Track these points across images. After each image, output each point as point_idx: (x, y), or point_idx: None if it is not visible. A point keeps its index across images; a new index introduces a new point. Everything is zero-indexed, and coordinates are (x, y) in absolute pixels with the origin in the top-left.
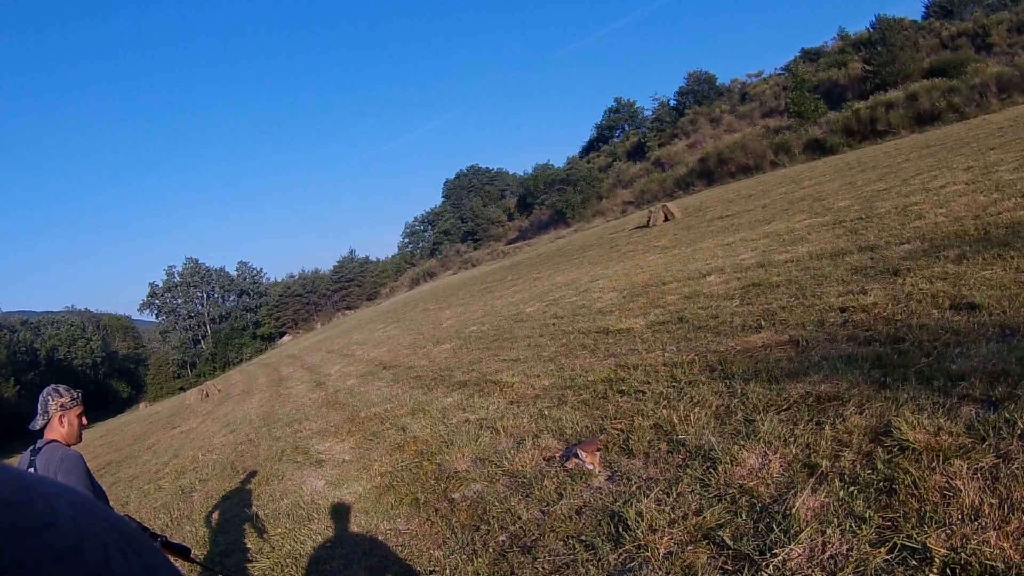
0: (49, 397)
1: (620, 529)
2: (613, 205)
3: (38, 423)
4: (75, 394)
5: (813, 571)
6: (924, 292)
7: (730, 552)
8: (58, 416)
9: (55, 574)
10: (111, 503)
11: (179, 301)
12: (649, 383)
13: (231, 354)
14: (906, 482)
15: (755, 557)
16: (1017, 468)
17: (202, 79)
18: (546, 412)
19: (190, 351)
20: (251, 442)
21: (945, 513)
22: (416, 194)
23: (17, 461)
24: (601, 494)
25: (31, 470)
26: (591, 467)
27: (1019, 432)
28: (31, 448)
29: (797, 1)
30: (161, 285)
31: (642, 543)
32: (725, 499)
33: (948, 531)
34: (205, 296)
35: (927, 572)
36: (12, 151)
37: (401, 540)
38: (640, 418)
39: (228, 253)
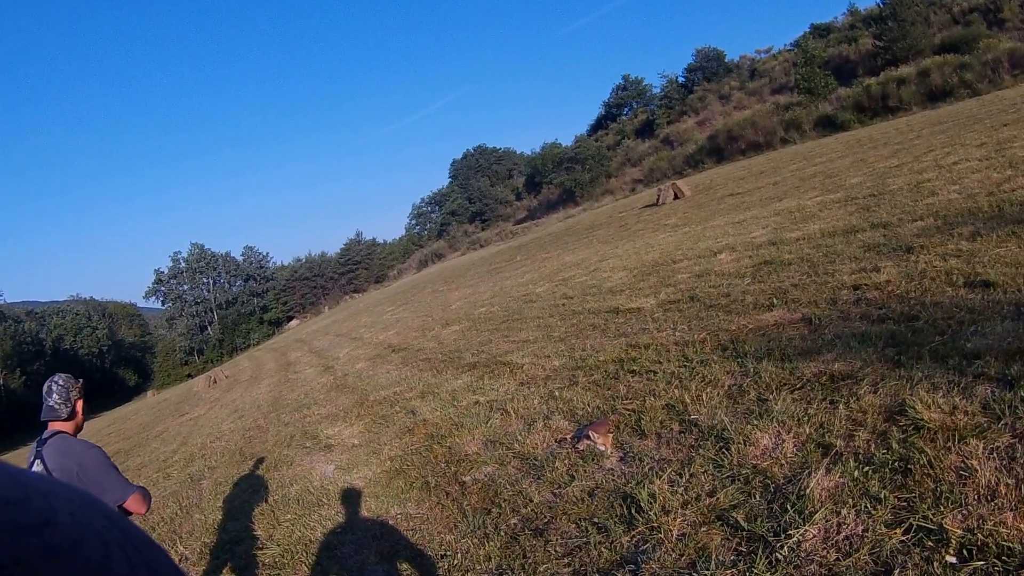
0: (69, 386)
1: (633, 511)
2: (622, 183)
3: (64, 412)
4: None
5: (828, 552)
6: (938, 270)
7: (744, 533)
8: (79, 403)
9: (54, 571)
10: None
11: (185, 287)
12: (660, 363)
13: (238, 340)
14: (921, 462)
15: (769, 538)
16: None
17: (205, 63)
18: (557, 393)
19: (197, 337)
20: (260, 428)
21: (961, 493)
22: (423, 175)
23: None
24: (613, 475)
25: (36, 462)
26: (603, 448)
27: None
28: (37, 439)
29: None
30: (167, 272)
31: (655, 525)
32: (738, 480)
33: (964, 512)
34: (211, 282)
35: (943, 553)
36: (15, 141)
37: (412, 524)
38: (652, 398)
39: (234, 238)
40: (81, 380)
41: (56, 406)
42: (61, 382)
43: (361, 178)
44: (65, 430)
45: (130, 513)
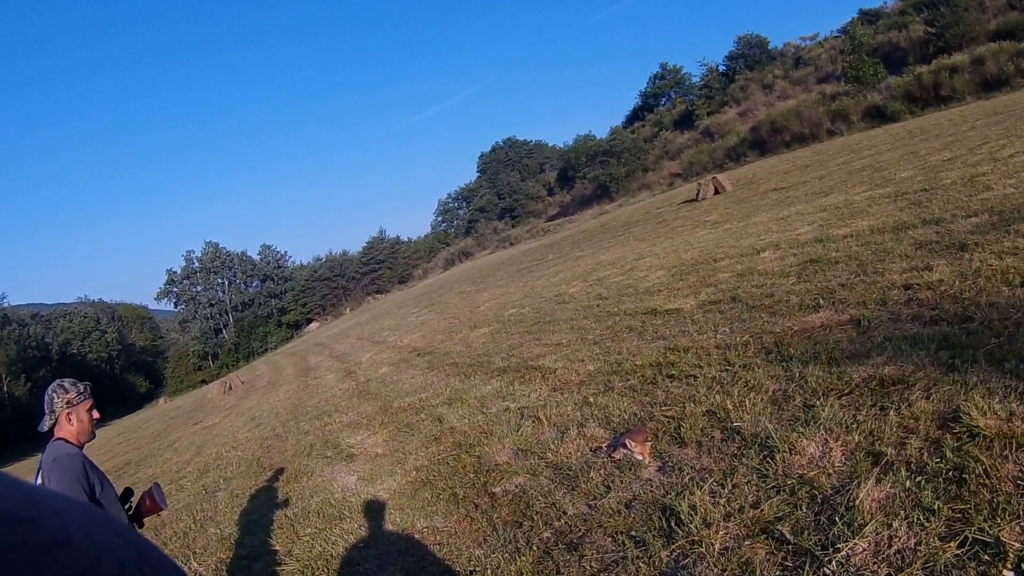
0: (54, 394)
1: (672, 523)
2: (660, 178)
3: (46, 424)
4: (82, 387)
5: (879, 567)
6: (993, 268)
7: (790, 547)
8: (65, 414)
9: None
10: None
11: (199, 288)
12: (701, 367)
13: (255, 343)
14: (977, 471)
15: (817, 552)
16: None
17: (221, 55)
18: (591, 399)
19: (211, 341)
20: (278, 437)
21: (1019, 504)
22: (450, 169)
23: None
24: (651, 486)
25: (40, 474)
26: (640, 457)
27: None
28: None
29: None
30: (179, 272)
31: (696, 538)
32: (784, 490)
33: (1022, 524)
34: (226, 282)
35: (1000, 567)
36: (20, 138)
37: (439, 538)
38: (692, 404)
39: (250, 236)
40: (86, 384)
41: (45, 417)
42: (49, 391)
43: (384, 173)
44: (65, 438)
45: None
